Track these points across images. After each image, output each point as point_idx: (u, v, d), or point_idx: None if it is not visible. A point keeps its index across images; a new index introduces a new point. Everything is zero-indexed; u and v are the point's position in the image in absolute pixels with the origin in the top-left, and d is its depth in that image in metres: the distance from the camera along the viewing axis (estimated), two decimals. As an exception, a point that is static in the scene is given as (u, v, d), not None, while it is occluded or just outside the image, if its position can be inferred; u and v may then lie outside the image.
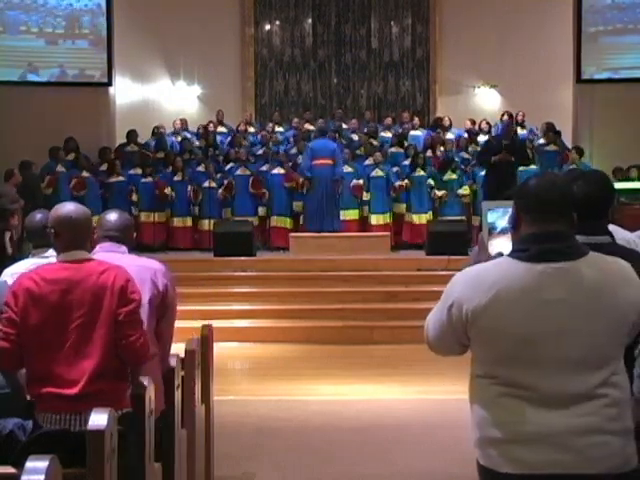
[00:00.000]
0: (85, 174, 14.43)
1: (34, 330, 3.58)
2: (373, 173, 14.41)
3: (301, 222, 14.26)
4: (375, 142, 15.39)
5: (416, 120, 16.10)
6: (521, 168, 14.23)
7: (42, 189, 13.77)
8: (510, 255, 2.69)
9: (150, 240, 14.01)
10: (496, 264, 2.70)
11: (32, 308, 3.59)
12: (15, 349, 3.61)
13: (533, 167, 14.30)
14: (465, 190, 14.38)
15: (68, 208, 3.79)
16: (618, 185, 11.07)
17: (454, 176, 14.48)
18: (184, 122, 16.13)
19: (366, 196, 14.41)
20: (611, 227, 3.36)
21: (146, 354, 3.76)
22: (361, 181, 14.25)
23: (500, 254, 2.86)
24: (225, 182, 14.35)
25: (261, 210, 14.48)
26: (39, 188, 13.38)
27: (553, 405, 2.58)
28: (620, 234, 3.50)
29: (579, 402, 2.58)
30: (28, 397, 3.78)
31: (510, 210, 2.79)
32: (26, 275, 3.71)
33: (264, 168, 14.56)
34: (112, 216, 4.26)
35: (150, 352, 3.80)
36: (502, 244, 3.23)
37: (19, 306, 3.60)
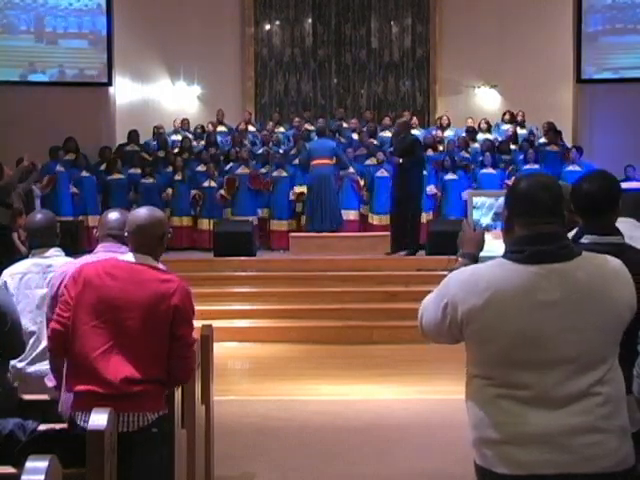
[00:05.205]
0: (85, 174, 14.46)
1: (84, 318, 3.59)
2: (378, 173, 14.40)
3: (302, 222, 14.25)
4: (375, 142, 15.38)
5: (415, 120, 16.07)
6: (527, 167, 14.21)
7: (40, 189, 13.76)
8: (504, 257, 2.70)
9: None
10: (490, 266, 2.70)
11: (88, 295, 3.60)
12: (68, 332, 3.62)
13: (536, 167, 14.29)
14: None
15: (141, 214, 3.78)
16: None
17: (454, 176, 14.48)
18: (185, 122, 16.14)
19: (367, 196, 14.42)
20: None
21: (192, 373, 3.87)
22: (358, 178, 14.27)
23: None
24: (226, 178, 14.32)
25: (261, 212, 14.47)
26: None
27: (548, 405, 2.58)
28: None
29: (574, 402, 2.58)
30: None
31: (494, 202, 2.80)
32: (88, 264, 3.74)
33: (264, 170, 14.57)
34: (113, 215, 4.27)
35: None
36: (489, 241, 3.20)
37: (76, 291, 3.62)
